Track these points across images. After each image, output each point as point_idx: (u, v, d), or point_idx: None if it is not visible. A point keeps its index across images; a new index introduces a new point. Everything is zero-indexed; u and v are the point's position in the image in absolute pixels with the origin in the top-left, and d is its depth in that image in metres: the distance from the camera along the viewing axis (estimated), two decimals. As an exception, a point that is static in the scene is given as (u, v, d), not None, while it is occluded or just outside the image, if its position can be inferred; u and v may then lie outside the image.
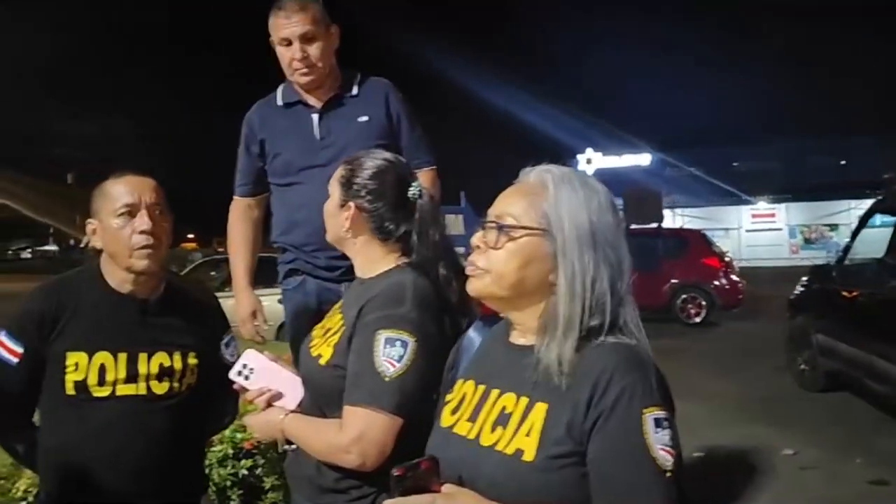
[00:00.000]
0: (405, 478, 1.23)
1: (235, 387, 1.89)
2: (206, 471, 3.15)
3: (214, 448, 3.15)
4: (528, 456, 1.25)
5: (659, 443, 1.20)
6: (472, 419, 1.37)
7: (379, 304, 1.68)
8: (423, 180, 2.76)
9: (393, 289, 1.71)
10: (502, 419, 1.32)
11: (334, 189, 1.84)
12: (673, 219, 28.66)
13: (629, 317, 1.32)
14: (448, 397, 1.48)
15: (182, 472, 2.10)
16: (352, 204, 1.79)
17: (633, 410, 1.21)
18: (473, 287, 1.40)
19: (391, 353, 1.62)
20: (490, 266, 1.36)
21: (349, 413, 1.62)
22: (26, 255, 46.60)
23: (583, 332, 1.27)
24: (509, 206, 1.37)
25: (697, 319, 12.57)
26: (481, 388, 1.41)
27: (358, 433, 1.59)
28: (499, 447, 1.29)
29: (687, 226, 25.25)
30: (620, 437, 1.21)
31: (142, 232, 1.96)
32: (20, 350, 2.00)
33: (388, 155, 1.85)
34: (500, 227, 1.35)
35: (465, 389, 1.45)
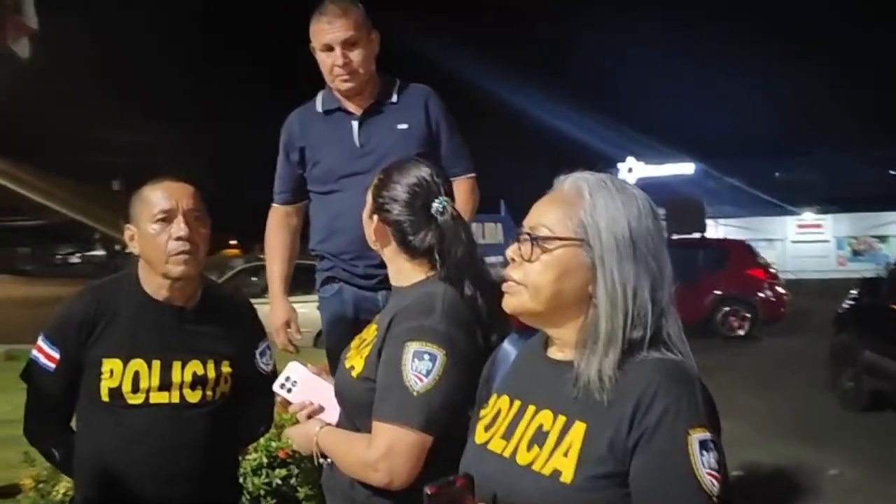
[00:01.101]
0: (439, 495, 1.19)
1: (278, 399, 1.88)
2: (241, 479, 3.16)
3: (249, 456, 3.15)
4: (566, 477, 1.20)
5: (705, 466, 1.14)
6: (507, 436, 1.33)
7: (408, 316, 1.65)
8: (462, 189, 2.77)
9: (423, 300, 1.68)
10: (539, 438, 1.27)
11: (368, 198, 1.83)
12: (716, 229, 28.16)
13: (672, 329, 1.27)
14: (482, 412, 1.44)
15: (215, 481, 2.09)
16: (376, 217, 1.78)
17: (677, 431, 1.15)
18: (509, 304, 1.36)
19: (419, 367, 1.58)
20: (525, 280, 1.31)
21: (377, 428, 1.59)
22: (74, 259, 47.68)
23: (625, 346, 1.22)
24: (543, 216, 1.32)
25: (740, 333, 12.30)
26: (517, 403, 1.36)
27: (385, 450, 1.56)
28: (535, 467, 1.24)
29: (731, 236, 24.85)
30: (664, 459, 1.15)
31: (178, 238, 1.96)
32: (57, 355, 2.02)
33: (419, 169, 1.81)
34: (535, 239, 1.30)
35: (499, 405, 1.40)
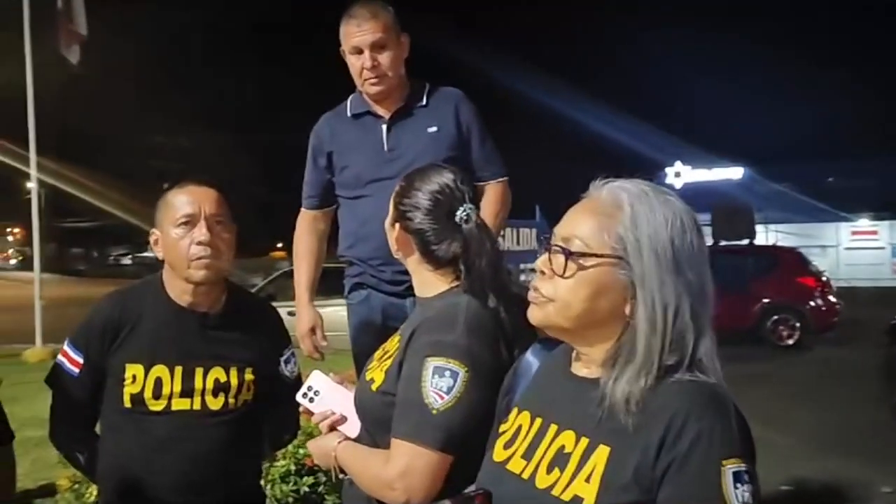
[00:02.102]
0: None
1: (301, 409, 1.83)
2: (269, 486, 3.14)
3: (277, 463, 3.14)
4: None
5: (739, 501, 1.06)
6: (528, 456, 1.25)
7: (430, 329, 1.58)
8: (493, 193, 2.72)
9: (445, 312, 1.61)
10: (560, 460, 1.19)
11: (390, 206, 1.76)
12: (766, 235, 27.59)
13: (705, 351, 1.17)
14: (502, 427, 1.37)
15: (238, 488, 2.07)
16: (398, 225, 1.72)
17: (710, 461, 1.07)
18: (535, 316, 1.28)
19: (440, 385, 1.51)
20: (555, 295, 1.23)
21: (395, 446, 1.53)
22: (126, 261, 49.33)
23: (660, 372, 1.14)
24: (578, 226, 1.22)
25: (790, 342, 11.94)
26: (538, 421, 1.29)
27: (402, 469, 1.49)
28: (555, 492, 1.17)
29: (781, 242, 24.29)
30: (694, 491, 1.07)
31: (199, 243, 1.94)
32: (81, 360, 2.01)
33: (442, 175, 1.74)
34: (569, 254, 1.21)
35: (520, 421, 1.33)
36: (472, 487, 1.33)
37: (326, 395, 1.79)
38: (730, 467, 1.06)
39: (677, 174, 32.22)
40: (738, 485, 1.06)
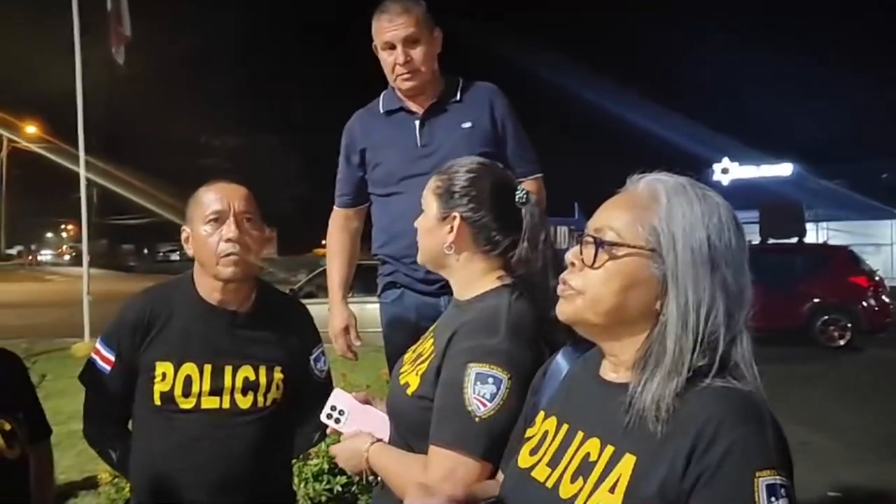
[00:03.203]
0: None
1: (328, 430, 1.81)
2: (302, 485, 3.14)
3: (311, 462, 3.14)
4: None
5: None
6: (553, 464, 1.21)
7: (470, 334, 1.54)
8: (528, 189, 2.66)
9: (486, 315, 1.56)
10: (584, 468, 1.15)
11: (430, 202, 1.69)
12: (817, 233, 26.98)
13: (741, 356, 1.11)
14: (529, 432, 1.33)
15: (267, 487, 2.06)
16: (456, 214, 1.64)
17: (743, 472, 1.00)
18: (564, 311, 1.23)
19: (482, 392, 1.46)
20: (585, 287, 1.18)
21: (434, 453, 1.49)
22: (175, 257, 50.86)
23: (689, 374, 1.08)
24: (612, 218, 1.18)
25: (840, 343, 11.62)
26: (564, 427, 1.24)
27: (442, 476, 1.46)
28: (578, 502, 1.12)
29: (832, 241, 23.73)
30: None
31: (228, 240, 1.94)
32: (113, 358, 2.02)
33: (483, 160, 1.72)
34: (600, 243, 1.17)
35: (546, 426, 1.29)
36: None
37: (353, 414, 1.77)
38: (764, 479, 1.00)
39: (724, 171, 31.69)
40: (773, 498, 1.00)
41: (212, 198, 1.98)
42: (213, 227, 1.96)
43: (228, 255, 1.94)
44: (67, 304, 14.20)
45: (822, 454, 5.30)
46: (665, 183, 1.17)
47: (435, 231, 1.67)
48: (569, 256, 1.23)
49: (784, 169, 32.37)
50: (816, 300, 11.82)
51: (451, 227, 1.64)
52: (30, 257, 57.43)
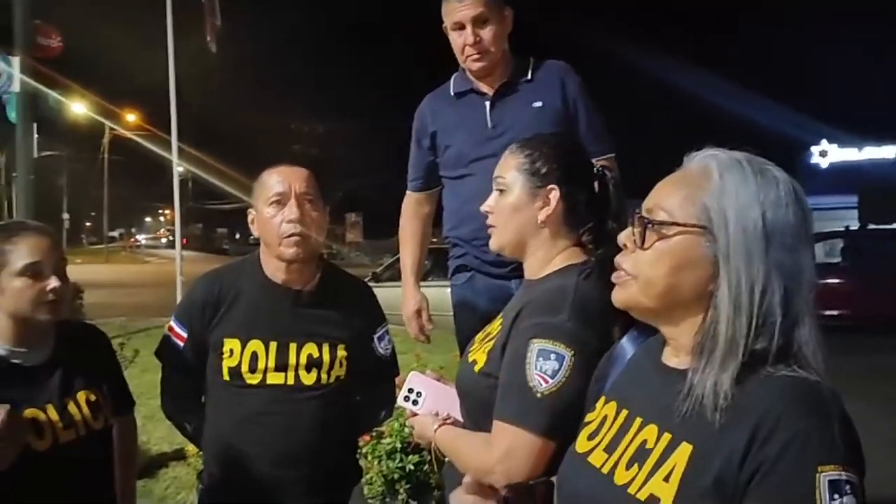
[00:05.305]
0: (515, 500, 1.10)
1: (407, 414, 1.81)
2: (376, 462, 3.19)
3: (384, 440, 3.18)
4: None
5: None
6: (610, 450, 1.18)
7: (536, 311, 1.52)
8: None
9: (552, 294, 1.54)
10: (640, 455, 1.11)
11: (513, 180, 1.64)
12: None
13: (806, 342, 1.05)
14: (588, 417, 1.30)
15: (331, 462, 2.10)
16: (554, 187, 1.60)
17: (804, 467, 0.94)
18: (618, 297, 1.19)
19: (545, 368, 1.44)
20: (636, 270, 1.14)
21: (497, 429, 1.48)
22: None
23: (745, 358, 1.02)
24: (664, 198, 1.13)
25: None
26: (623, 412, 1.21)
27: (504, 452, 1.45)
28: (631, 489, 1.08)
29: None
30: (783, 502, 0.95)
31: (290, 221, 1.98)
32: (185, 334, 2.10)
33: (563, 133, 1.69)
34: (649, 223, 1.12)
35: (606, 411, 1.25)
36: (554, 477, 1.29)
37: (429, 396, 1.76)
38: (826, 475, 0.94)
39: (823, 153, 30.25)
40: (836, 496, 0.93)
41: (274, 180, 2.03)
42: (276, 209, 2.00)
43: (290, 235, 1.98)
44: (163, 284, 14.82)
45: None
46: (718, 159, 1.12)
47: (524, 209, 1.63)
48: (621, 238, 1.19)
49: (888, 151, 30.66)
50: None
51: (547, 202, 1.60)
52: (131, 240, 60.21)
